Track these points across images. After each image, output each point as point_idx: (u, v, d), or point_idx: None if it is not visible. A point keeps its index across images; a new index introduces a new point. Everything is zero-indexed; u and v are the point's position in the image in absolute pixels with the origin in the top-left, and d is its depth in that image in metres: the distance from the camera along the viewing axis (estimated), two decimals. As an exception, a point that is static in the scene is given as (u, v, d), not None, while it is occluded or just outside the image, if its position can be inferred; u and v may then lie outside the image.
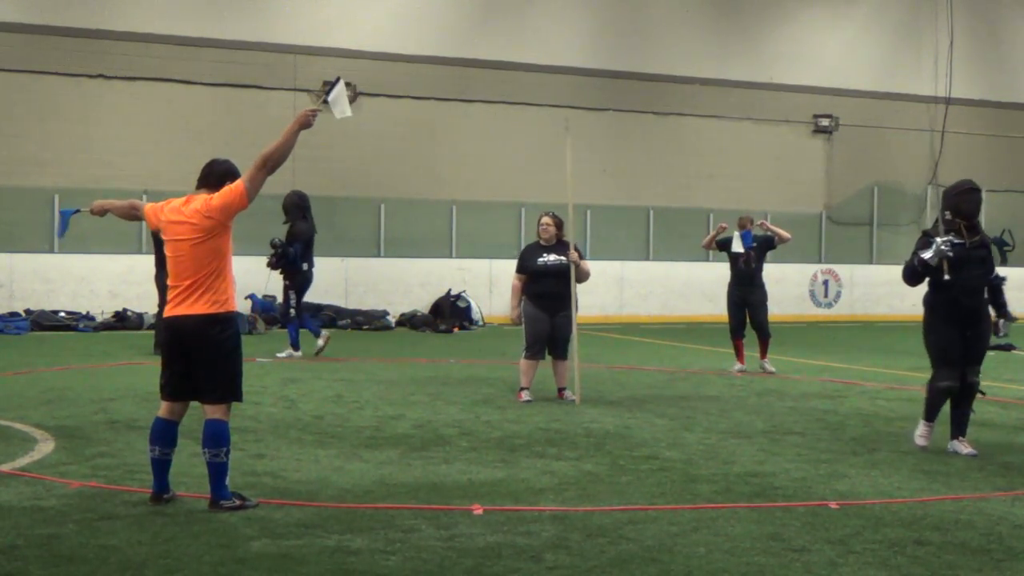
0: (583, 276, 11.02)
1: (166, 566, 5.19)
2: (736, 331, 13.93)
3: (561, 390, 11.11)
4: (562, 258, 10.98)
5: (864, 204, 26.87)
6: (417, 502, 6.51)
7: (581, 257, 11.06)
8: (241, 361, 6.45)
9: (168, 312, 6.38)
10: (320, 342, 14.93)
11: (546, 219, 11.21)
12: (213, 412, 6.29)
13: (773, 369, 13.82)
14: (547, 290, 10.94)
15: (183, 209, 6.37)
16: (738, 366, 13.87)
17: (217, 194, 6.31)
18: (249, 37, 21.88)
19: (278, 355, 14.65)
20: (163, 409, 6.43)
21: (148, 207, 6.60)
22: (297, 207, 15.21)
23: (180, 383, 6.34)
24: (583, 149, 24.38)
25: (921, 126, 27.36)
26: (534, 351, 10.98)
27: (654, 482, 7.21)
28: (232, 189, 6.29)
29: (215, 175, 6.47)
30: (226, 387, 6.32)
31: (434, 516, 6.18)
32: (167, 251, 6.40)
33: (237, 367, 6.39)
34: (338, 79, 6.91)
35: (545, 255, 11.03)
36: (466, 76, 23.44)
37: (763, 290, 13.99)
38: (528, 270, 11.03)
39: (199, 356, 6.25)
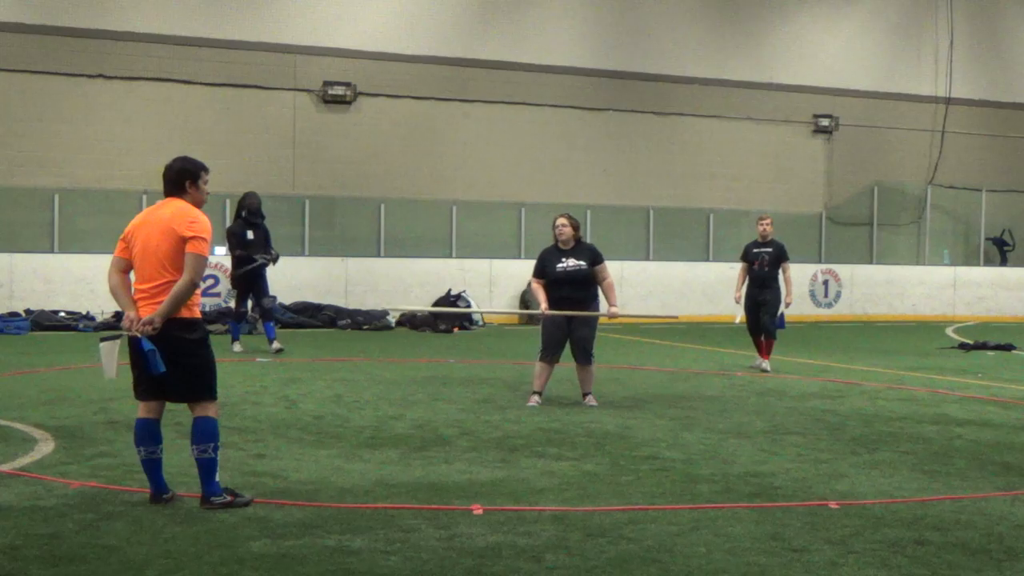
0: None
1: (166, 566, 5.19)
2: (752, 329, 14.41)
3: (585, 395, 10.83)
4: (581, 263, 10.63)
5: (864, 204, 26.88)
6: (417, 502, 6.51)
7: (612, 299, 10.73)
8: (212, 359, 6.41)
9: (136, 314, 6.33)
10: (236, 348, 15.10)
11: (562, 219, 10.80)
12: (201, 410, 6.29)
13: (768, 368, 13.98)
14: (565, 296, 10.60)
15: (156, 213, 6.34)
16: (758, 361, 14.27)
17: (198, 236, 6.19)
18: (249, 37, 21.89)
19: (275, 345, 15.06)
20: (141, 409, 6.40)
21: (118, 259, 6.42)
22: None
23: (151, 383, 6.28)
24: (583, 149, 24.45)
25: (921, 126, 27.37)
26: (546, 354, 10.72)
27: (654, 482, 7.20)
28: (198, 254, 6.19)
29: (173, 172, 6.40)
30: (200, 387, 6.30)
31: (434, 516, 6.18)
32: (135, 252, 6.32)
33: (210, 365, 6.36)
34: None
35: (564, 260, 10.67)
36: (466, 76, 23.45)
37: (776, 293, 14.43)
38: (546, 275, 10.73)
39: (171, 359, 6.18)
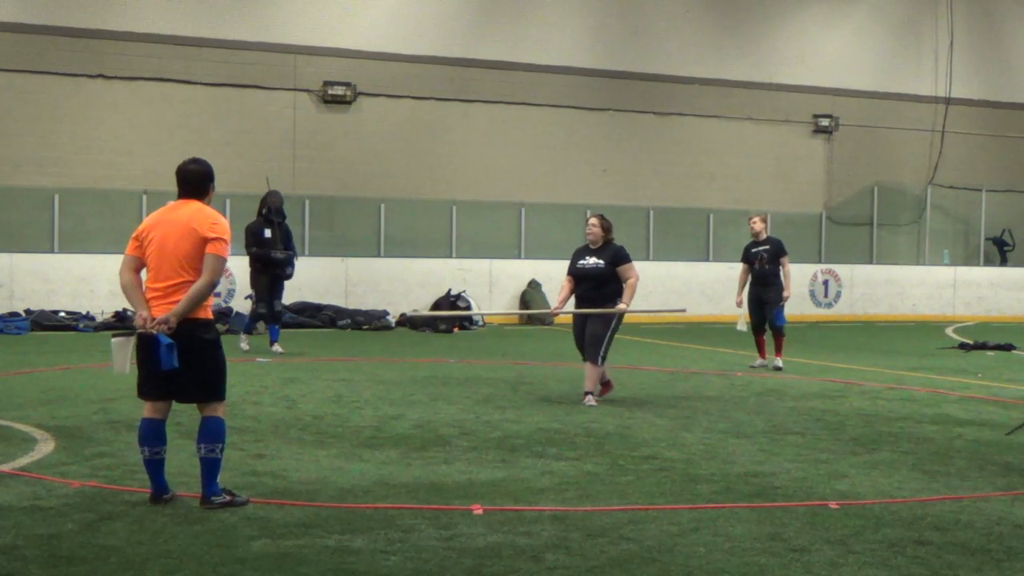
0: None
1: (166, 566, 5.19)
2: (756, 328, 14.49)
3: (585, 394, 10.77)
4: (599, 262, 10.78)
5: (864, 204, 26.88)
6: (417, 502, 6.51)
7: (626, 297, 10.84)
8: (224, 360, 6.42)
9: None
10: (244, 345, 15.16)
11: (593, 220, 10.99)
12: (211, 411, 6.30)
13: (781, 365, 14.12)
14: (582, 293, 10.84)
15: (174, 213, 6.33)
16: (759, 361, 14.39)
17: (219, 237, 6.21)
18: (249, 37, 21.88)
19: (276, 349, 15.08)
20: (147, 409, 6.37)
21: (131, 258, 6.38)
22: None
23: (160, 383, 6.27)
24: (583, 149, 24.45)
25: (921, 126, 27.37)
26: (580, 353, 10.98)
27: (654, 482, 7.20)
28: (219, 255, 6.21)
29: (198, 176, 6.42)
30: (212, 388, 6.31)
31: (434, 516, 6.18)
32: (150, 252, 6.31)
33: (222, 366, 6.37)
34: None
35: (585, 258, 10.88)
36: (466, 76, 23.45)
37: (777, 289, 14.46)
38: (569, 272, 10.95)
39: (184, 359, 6.15)
